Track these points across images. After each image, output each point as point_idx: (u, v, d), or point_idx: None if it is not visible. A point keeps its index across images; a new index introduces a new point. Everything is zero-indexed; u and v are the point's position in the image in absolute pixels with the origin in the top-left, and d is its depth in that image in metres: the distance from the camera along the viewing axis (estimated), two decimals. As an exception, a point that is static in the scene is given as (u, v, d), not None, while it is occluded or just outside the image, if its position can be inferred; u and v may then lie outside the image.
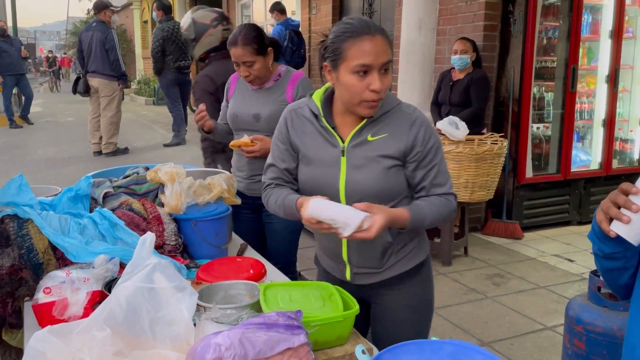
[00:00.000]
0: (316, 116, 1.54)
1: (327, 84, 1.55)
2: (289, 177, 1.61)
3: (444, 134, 4.03)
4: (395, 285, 1.59)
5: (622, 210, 1.03)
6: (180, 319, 1.19)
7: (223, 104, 2.50)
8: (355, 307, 1.33)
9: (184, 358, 1.07)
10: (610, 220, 1.05)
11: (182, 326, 1.19)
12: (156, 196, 1.92)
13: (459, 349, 1.01)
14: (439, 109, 4.46)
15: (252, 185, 2.37)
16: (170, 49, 7.39)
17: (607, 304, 2.11)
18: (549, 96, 4.88)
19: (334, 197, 1.48)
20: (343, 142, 1.50)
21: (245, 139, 2.22)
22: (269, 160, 1.65)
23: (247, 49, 2.20)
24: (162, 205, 1.84)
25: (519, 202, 4.70)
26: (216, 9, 3.15)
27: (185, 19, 3.09)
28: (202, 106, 2.33)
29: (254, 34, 2.23)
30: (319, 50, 1.50)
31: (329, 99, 1.56)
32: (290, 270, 2.52)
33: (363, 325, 1.69)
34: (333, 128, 1.52)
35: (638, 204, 1.02)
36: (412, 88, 4.70)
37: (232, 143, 2.27)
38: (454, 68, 4.38)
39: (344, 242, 1.54)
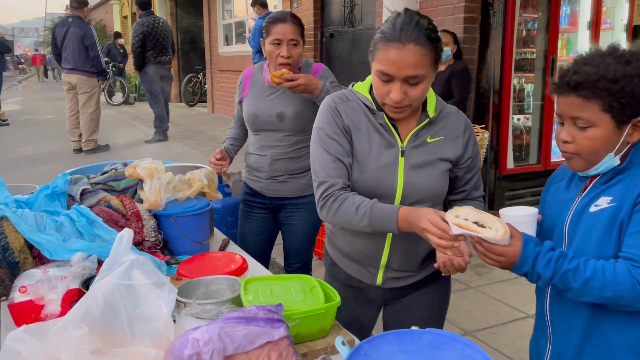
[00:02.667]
0: (371, 110, 1.44)
1: (369, 77, 1.46)
2: (349, 173, 1.45)
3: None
4: (423, 287, 1.58)
5: None
6: (159, 316, 1.18)
7: (236, 103, 2.42)
8: (337, 300, 1.32)
9: (163, 354, 1.06)
10: None
11: (161, 322, 1.17)
12: (135, 192, 1.90)
13: (438, 337, 1.01)
14: (421, 101, 4.47)
15: (273, 186, 2.31)
16: (151, 44, 7.30)
17: (586, 291, 2.14)
18: (529, 87, 4.93)
19: (389, 199, 1.43)
20: (402, 141, 1.44)
21: (285, 72, 2.09)
22: (324, 156, 1.44)
23: (297, 27, 2.16)
24: (141, 201, 1.82)
25: (501, 193, 4.74)
26: None
27: None
28: (220, 160, 2.28)
29: (300, 20, 2.22)
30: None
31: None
32: (308, 268, 2.51)
33: (369, 322, 1.68)
34: (393, 125, 1.43)
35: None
36: (394, 81, 4.72)
37: (272, 74, 2.11)
38: (435, 60, 4.40)
39: (387, 245, 1.49)
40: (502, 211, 1.29)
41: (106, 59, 8.99)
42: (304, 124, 2.22)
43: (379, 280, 1.55)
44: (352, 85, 1.50)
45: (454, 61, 4.31)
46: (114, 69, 12.45)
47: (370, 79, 1.46)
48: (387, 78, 1.32)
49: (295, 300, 1.34)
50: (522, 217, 1.27)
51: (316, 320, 1.29)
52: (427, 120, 1.43)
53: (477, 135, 3.96)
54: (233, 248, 2.01)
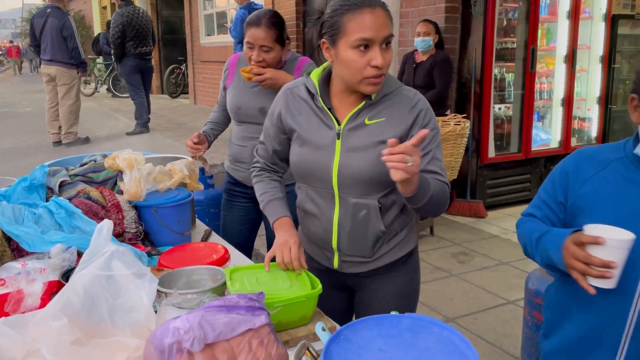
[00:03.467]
0: (312, 96, 1.48)
1: (326, 63, 1.48)
2: (275, 159, 1.62)
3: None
4: (383, 275, 1.56)
5: (601, 269, 1.11)
6: (140, 306, 1.18)
7: (221, 88, 2.40)
8: (318, 287, 1.34)
9: (144, 344, 1.06)
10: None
11: (142, 313, 1.17)
12: (115, 184, 1.88)
13: (416, 322, 1.03)
14: (403, 91, 4.48)
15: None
16: (131, 35, 7.20)
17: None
18: (509, 77, 4.97)
19: (327, 181, 1.45)
20: (339, 124, 1.44)
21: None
22: (261, 137, 1.64)
23: (271, 32, 2.09)
24: (121, 192, 1.80)
25: (483, 182, 4.80)
26: None
27: None
28: (197, 144, 2.28)
29: (280, 20, 2.14)
30: (315, 28, 1.43)
31: (326, 78, 1.48)
32: None
33: (347, 311, 1.69)
34: (330, 109, 1.45)
35: (605, 256, 1.10)
36: (376, 71, 4.72)
37: (242, 69, 2.15)
38: (417, 50, 4.41)
39: (334, 229, 1.49)
40: (590, 227, 1.16)
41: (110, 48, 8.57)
42: None
43: (335, 263, 1.55)
44: (309, 74, 1.51)
45: (435, 51, 4.33)
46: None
47: (324, 67, 1.50)
48: (366, 43, 1.32)
49: (281, 287, 1.35)
50: (623, 241, 1.12)
51: (297, 308, 1.30)
52: (365, 102, 1.42)
53: (459, 124, 3.99)
54: (215, 239, 2.01)
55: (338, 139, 1.44)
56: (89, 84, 13.19)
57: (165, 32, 12.95)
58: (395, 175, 1.20)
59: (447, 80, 4.32)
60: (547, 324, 1.47)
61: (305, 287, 1.35)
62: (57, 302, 1.13)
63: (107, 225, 1.29)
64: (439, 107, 4.24)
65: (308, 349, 0.97)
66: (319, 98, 1.46)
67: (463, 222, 4.54)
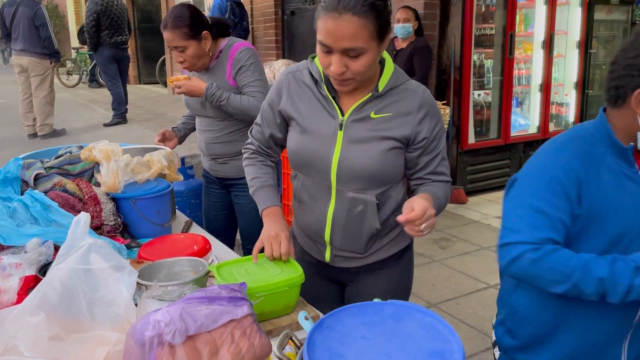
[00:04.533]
0: (316, 82, 1.40)
1: None
2: (270, 143, 1.55)
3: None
4: (375, 271, 1.52)
5: None
6: (119, 299, 1.16)
7: None
8: (301, 276, 1.33)
9: (125, 338, 1.04)
10: None
11: (122, 306, 1.15)
12: (92, 176, 1.85)
13: (399, 308, 1.03)
14: (383, 78, 4.48)
15: (215, 166, 2.34)
16: (106, 24, 7.04)
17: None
18: (488, 63, 5.00)
19: (325, 173, 1.39)
20: (343, 114, 1.37)
21: (182, 75, 2.19)
22: (258, 118, 1.56)
23: (177, 32, 2.05)
24: (98, 185, 1.77)
25: (463, 168, 4.84)
26: None
27: None
28: (163, 141, 2.31)
29: (187, 15, 2.06)
30: None
31: None
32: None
33: (338, 304, 1.66)
34: (334, 98, 1.39)
35: None
36: (356, 58, 4.71)
37: (168, 79, 2.24)
38: (397, 37, 4.40)
39: (328, 222, 1.45)
40: None
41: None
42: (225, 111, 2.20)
43: (327, 257, 1.51)
44: (313, 57, 1.45)
45: (415, 38, 4.32)
46: None
47: None
48: (326, 49, 1.25)
49: (273, 274, 1.33)
50: None
51: (280, 297, 1.30)
52: (371, 94, 1.35)
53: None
54: (196, 230, 1.99)
55: (340, 130, 1.37)
56: (71, 74, 12.82)
57: (141, 20, 12.69)
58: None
59: (427, 67, 4.32)
60: (530, 339, 1.31)
61: (297, 269, 1.35)
62: (34, 298, 1.11)
63: (84, 218, 1.27)
64: (419, 94, 4.25)
65: (291, 338, 0.97)
66: (324, 85, 1.38)
67: (444, 208, 4.57)
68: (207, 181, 2.47)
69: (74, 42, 18.02)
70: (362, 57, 1.24)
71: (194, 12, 2.10)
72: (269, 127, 1.52)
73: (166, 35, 2.08)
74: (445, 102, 4.29)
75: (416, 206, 1.20)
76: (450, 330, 0.95)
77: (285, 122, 1.50)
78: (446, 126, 4.07)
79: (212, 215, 2.47)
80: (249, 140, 1.62)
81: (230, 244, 2.49)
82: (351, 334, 0.96)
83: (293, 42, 6.49)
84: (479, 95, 4.99)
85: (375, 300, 1.08)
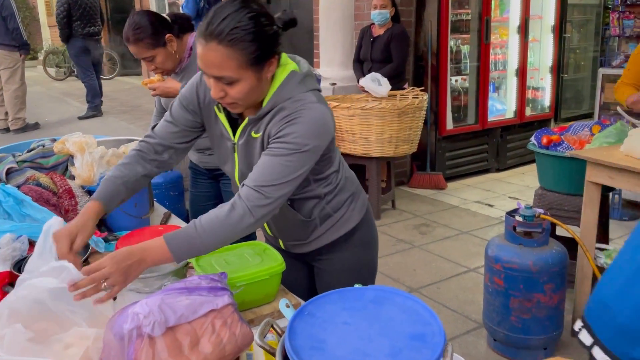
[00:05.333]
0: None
1: None
2: (164, 147, 1.41)
3: (367, 91, 4.07)
4: (329, 253, 1.53)
5: None
6: (86, 301, 1.14)
7: None
8: (281, 265, 1.33)
9: (103, 332, 1.03)
10: None
11: (92, 307, 1.14)
12: (66, 169, 1.81)
13: (379, 293, 1.03)
14: (362, 65, 4.47)
15: (204, 158, 2.31)
16: (77, 14, 6.89)
17: (522, 241, 2.25)
18: (465, 49, 5.03)
19: (234, 182, 1.42)
20: (234, 135, 1.35)
21: (155, 77, 2.16)
22: (167, 114, 1.43)
23: (141, 45, 2.00)
24: (73, 178, 1.73)
25: (442, 154, 4.87)
26: None
27: None
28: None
29: (146, 25, 1.99)
30: None
31: None
32: (252, 237, 2.50)
33: (311, 287, 1.66)
34: (234, 118, 1.35)
35: None
36: (334, 46, 4.68)
37: (142, 82, 2.20)
38: (373, 24, 4.39)
39: None
40: None
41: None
42: None
43: (281, 244, 1.55)
44: None
45: (392, 24, 4.31)
46: None
47: None
48: (204, 73, 1.21)
49: (252, 264, 1.33)
50: None
51: (261, 286, 1.29)
52: (248, 119, 1.30)
53: (417, 97, 4.01)
54: (176, 222, 1.97)
55: (234, 151, 1.37)
56: (60, 67, 12.42)
57: (114, 11, 12.43)
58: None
59: (404, 53, 4.32)
60: None
61: (276, 259, 1.34)
62: (2, 313, 1.07)
63: (56, 224, 1.24)
64: (397, 81, 4.25)
65: (272, 326, 0.96)
66: (218, 107, 1.34)
67: (424, 195, 4.61)
68: (194, 173, 2.45)
69: (45, 33, 17.58)
70: (237, 84, 1.19)
71: (153, 19, 2.02)
72: (176, 125, 1.42)
73: (131, 48, 2.03)
74: (423, 88, 4.30)
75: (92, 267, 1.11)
76: (431, 313, 0.96)
77: (199, 130, 1.44)
78: (424, 112, 4.08)
79: (200, 205, 2.45)
80: (147, 135, 1.47)
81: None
82: (332, 320, 0.96)
83: (270, 30, 6.41)
84: (456, 81, 5.02)
85: (356, 285, 1.08)
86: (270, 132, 1.27)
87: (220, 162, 1.46)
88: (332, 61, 4.71)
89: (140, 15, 2.02)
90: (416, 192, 4.67)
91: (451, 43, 4.79)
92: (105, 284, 1.10)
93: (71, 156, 1.78)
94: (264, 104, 1.28)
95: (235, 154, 1.37)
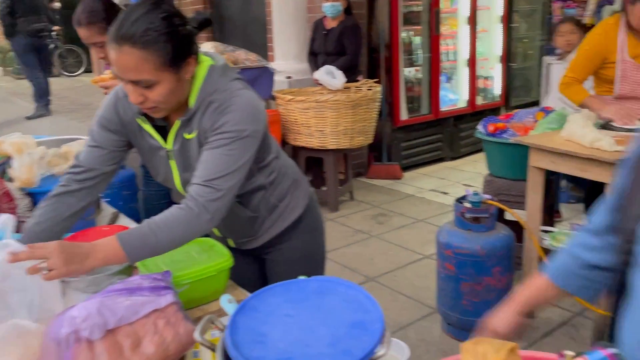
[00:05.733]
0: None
1: None
2: (94, 175, 1.35)
3: (322, 84, 4.08)
4: (278, 243, 1.54)
5: None
6: (30, 286, 1.12)
7: None
8: (229, 260, 1.32)
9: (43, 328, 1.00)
10: None
11: (37, 295, 1.11)
12: (4, 171, 1.74)
13: (323, 284, 1.04)
14: (316, 58, 4.47)
15: None
16: (21, 10, 6.61)
17: (471, 227, 2.32)
18: (417, 40, 5.10)
19: (176, 190, 1.39)
20: (165, 141, 1.32)
21: (107, 75, 2.09)
22: (88, 141, 1.37)
23: (93, 28, 1.93)
24: (12, 180, 1.67)
25: (397, 144, 4.94)
26: None
27: None
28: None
29: (99, 8, 1.93)
30: None
31: None
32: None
33: (263, 282, 1.65)
34: (161, 126, 1.31)
35: None
36: (288, 39, 4.66)
37: (92, 80, 2.12)
38: (326, 16, 4.39)
39: None
40: None
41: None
42: None
43: (231, 242, 1.55)
44: None
45: (345, 17, 4.33)
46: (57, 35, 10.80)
47: None
48: (120, 78, 1.18)
49: (199, 260, 1.32)
50: None
51: (208, 283, 1.29)
52: (180, 121, 1.27)
53: (371, 89, 4.05)
54: (125, 222, 1.93)
55: (170, 159, 1.33)
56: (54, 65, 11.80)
57: (63, 6, 11.97)
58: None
59: (358, 46, 4.34)
60: None
61: (223, 254, 1.34)
62: None
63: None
64: (351, 74, 4.28)
65: (214, 322, 0.96)
66: (143, 117, 1.30)
67: (381, 185, 4.67)
68: (146, 171, 2.39)
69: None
70: (156, 87, 1.17)
71: (107, 3, 1.97)
72: (100, 154, 1.37)
73: (81, 32, 1.95)
74: (377, 80, 4.34)
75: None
76: (371, 301, 0.98)
77: (124, 150, 1.40)
78: (378, 104, 4.12)
79: (152, 204, 2.40)
80: (73, 165, 1.39)
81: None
82: (275, 313, 0.96)
83: (223, 24, 6.33)
84: (409, 72, 5.08)
85: (300, 277, 1.09)
86: (205, 128, 1.26)
87: (155, 174, 1.42)
88: (287, 54, 4.69)
89: None
90: (374, 183, 4.73)
91: (403, 35, 4.85)
92: (44, 264, 1.07)
93: (10, 157, 1.72)
94: (191, 103, 1.27)
95: (172, 162, 1.35)
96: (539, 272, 1.13)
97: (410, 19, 4.96)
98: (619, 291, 0.95)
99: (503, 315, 1.11)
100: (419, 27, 5.05)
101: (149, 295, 1.04)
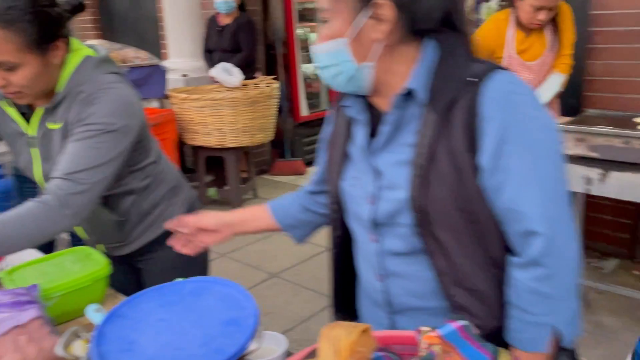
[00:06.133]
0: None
1: None
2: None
3: (219, 82, 4.02)
4: (150, 252, 1.45)
5: None
6: None
7: None
8: (105, 269, 1.26)
9: None
10: None
11: None
12: None
13: (199, 284, 1.03)
14: (211, 56, 4.39)
15: None
16: None
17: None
18: (313, 37, 5.16)
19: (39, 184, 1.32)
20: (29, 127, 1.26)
21: None
22: None
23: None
24: None
25: (299, 140, 4.99)
26: None
27: None
28: None
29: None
30: None
31: None
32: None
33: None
34: (22, 112, 1.25)
35: None
36: (182, 36, 4.54)
37: None
38: (219, 13, 4.32)
39: None
40: None
41: None
42: None
43: (101, 247, 1.47)
44: None
45: (239, 13, 4.29)
46: None
47: None
48: None
49: (73, 271, 1.24)
50: None
51: (83, 294, 1.22)
52: (44, 109, 1.23)
53: (268, 86, 4.05)
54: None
55: (32, 147, 1.27)
56: None
57: None
58: None
59: (252, 42, 4.32)
60: None
61: (99, 262, 1.27)
62: None
63: None
64: (249, 70, 4.25)
65: (79, 335, 0.92)
66: (8, 100, 1.24)
67: (285, 181, 4.69)
68: (19, 180, 2.22)
69: None
70: (19, 70, 1.12)
71: None
72: None
73: None
74: (275, 76, 4.35)
75: None
76: (246, 296, 0.98)
77: None
78: (276, 100, 4.13)
79: None
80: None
81: (50, 243, 2.29)
82: (146, 319, 0.94)
83: (112, 21, 6.02)
84: (307, 68, 5.14)
85: (178, 280, 1.07)
86: (71, 119, 1.20)
87: (16, 160, 1.33)
88: (182, 52, 4.57)
89: None
90: (278, 179, 4.74)
91: (299, 31, 4.89)
92: None
93: None
94: (58, 90, 1.21)
95: (34, 150, 1.27)
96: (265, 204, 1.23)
97: (306, 16, 5.02)
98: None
99: (213, 216, 1.16)
100: (314, 24, 5.12)
101: (9, 312, 0.97)
